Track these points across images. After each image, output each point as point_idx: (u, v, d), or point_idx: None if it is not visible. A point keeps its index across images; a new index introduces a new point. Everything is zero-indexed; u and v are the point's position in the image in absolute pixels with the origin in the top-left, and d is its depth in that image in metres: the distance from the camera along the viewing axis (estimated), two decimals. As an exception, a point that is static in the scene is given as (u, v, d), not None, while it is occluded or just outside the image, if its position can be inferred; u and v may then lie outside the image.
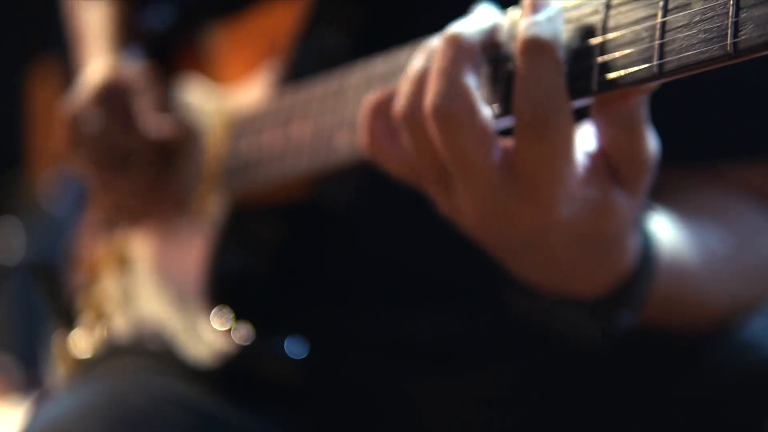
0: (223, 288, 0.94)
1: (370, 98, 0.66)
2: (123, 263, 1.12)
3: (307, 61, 0.92)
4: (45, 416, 0.86)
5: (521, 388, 0.94)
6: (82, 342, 1.14)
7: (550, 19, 0.56)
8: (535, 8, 0.56)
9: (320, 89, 0.82)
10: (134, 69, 1.08)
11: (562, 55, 0.55)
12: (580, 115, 0.61)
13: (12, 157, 4.67)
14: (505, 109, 0.59)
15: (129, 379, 0.92)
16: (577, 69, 0.56)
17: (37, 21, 4.55)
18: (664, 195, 0.89)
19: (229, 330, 0.90)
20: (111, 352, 1.06)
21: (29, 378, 3.54)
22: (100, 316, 1.12)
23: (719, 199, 0.87)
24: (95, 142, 1.02)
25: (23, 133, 4.57)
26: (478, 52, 0.59)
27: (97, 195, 1.08)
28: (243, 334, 0.89)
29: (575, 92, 0.56)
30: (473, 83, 0.58)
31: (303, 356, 0.90)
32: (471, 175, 0.59)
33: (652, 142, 0.61)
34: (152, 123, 1.02)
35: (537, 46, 0.55)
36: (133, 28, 1.21)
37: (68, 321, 1.17)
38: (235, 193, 0.94)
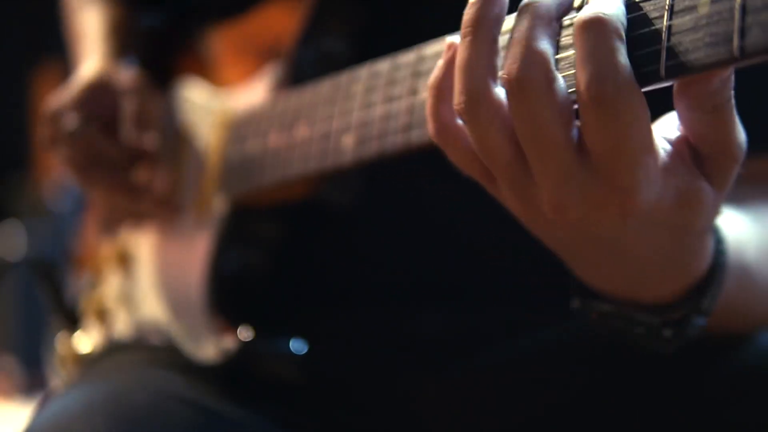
0: (225, 287, 0.94)
1: (432, 80, 0.62)
2: (125, 263, 1.12)
3: (308, 63, 0.92)
4: (48, 414, 0.85)
5: (521, 387, 0.94)
6: (84, 342, 1.14)
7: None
8: None
9: (326, 92, 0.82)
10: (127, 74, 1.08)
11: (622, 32, 0.54)
12: (667, 104, 0.59)
13: (16, 160, 4.69)
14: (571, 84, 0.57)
15: (131, 375, 0.92)
16: (645, 53, 0.55)
17: (40, 24, 4.56)
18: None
19: (231, 329, 0.90)
20: (113, 349, 1.06)
21: (31, 379, 3.54)
22: (103, 316, 1.13)
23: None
24: (71, 141, 1.02)
25: (27, 136, 4.58)
26: (554, 20, 0.57)
27: (89, 195, 1.09)
28: (244, 333, 0.89)
29: (643, 77, 0.55)
30: (551, 51, 0.56)
31: (303, 355, 0.90)
32: (549, 154, 0.56)
33: (739, 132, 0.58)
34: (132, 131, 1.02)
35: (599, 20, 0.54)
36: (130, 31, 1.21)
37: (71, 320, 1.17)
38: (237, 194, 0.94)
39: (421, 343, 0.95)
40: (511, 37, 0.56)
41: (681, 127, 0.59)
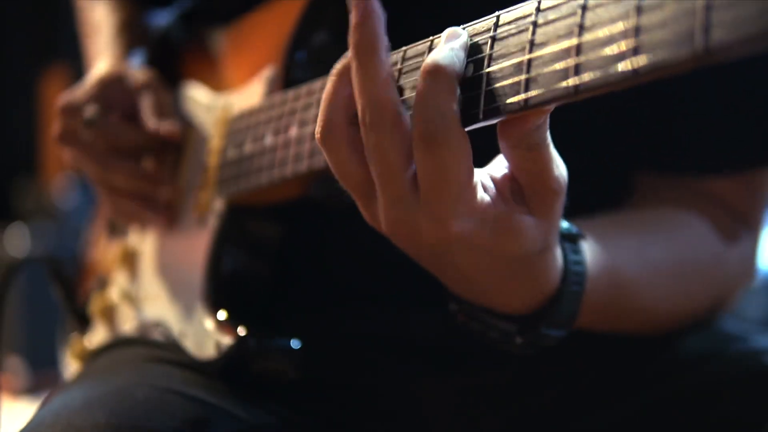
0: (224, 285, 0.95)
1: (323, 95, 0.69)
2: (131, 262, 1.13)
3: (301, 66, 0.94)
4: (50, 408, 0.85)
5: (521, 385, 0.94)
6: (94, 340, 1.15)
7: (452, 49, 0.62)
8: (449, 38, 0.63)
9: (318, 94, 0.83)
10: (140, 70, 1.10)
11: (455, 81, 0.61)
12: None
13: (24, 164, 4.69)
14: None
15: (133, 371, 0.92)
16: (469, 96, 0.62)
17: (48, 28, 4.58)
18: (630, 199, 0.94)
19: (230, 326, 0.90)
20: (115, 345, 1.07)
21: (38, 378, 3.55)
22: (110, 314, 1.13)
23: (673, 211, 0.91)
24: (91, 130, 1.03)
25: (35, 139, 4.59)
26: (391, 74, 0.65)
27: (99, 191, 1.09)
28: (243, 330, 0.89)
29: (467, 118, 0.62)
30: (397, 97, 0.63)
31: (301, 353, 0.90)
32: (388, 178, 0.63)
33: (559, 167, 0.64)
34: (153, 120, 1.04)
35: (435, 69, 0.61)
36: (140, 29, 1.23)
37: (81, 320, 1.18)
38: (235, 194, 0.95)
39: (419, 341, 0.95)
40: (356, 83, 0.63)
41: (507, 165, 0.66)
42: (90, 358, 1.10)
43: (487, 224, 0.64)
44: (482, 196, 0.64)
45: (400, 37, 0.74)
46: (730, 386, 0.86)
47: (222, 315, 0.91)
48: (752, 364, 0.88)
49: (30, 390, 3.53)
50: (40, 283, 1.22)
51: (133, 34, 1.19)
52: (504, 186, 0.66)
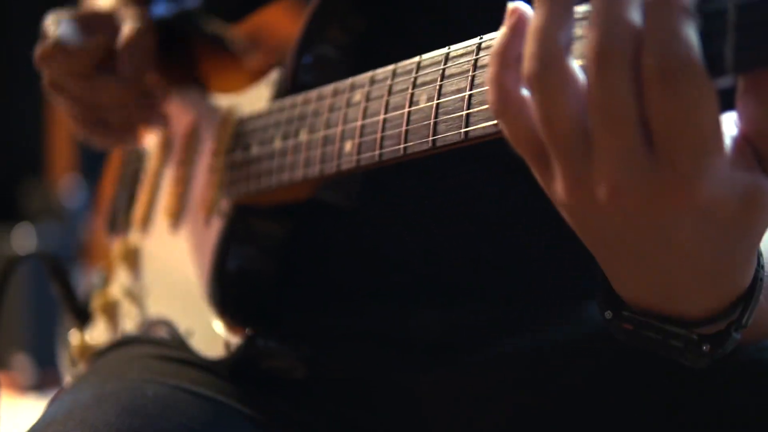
0: (230, 284, 0.95)
1: (497, 47, 0.58)
2: (134, 260, 1.14)
3: (306, 72, 0.93)
4: (62, 405, 0.86)
5: (520, 384, 0.94)
6: (95, 338, 1.15)
7: None
8: None
9: (329, 99, 0.84)
10: (140, 15, 1.04)
11: (689, 11, 0.51)
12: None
13: (31, 165, 4.70)
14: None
15: (143, 368, 0.92)
16: (712, 44, 0.52)
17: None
18: None
19: (238, 326, 0.91)
20: (123, 343, 1.07)
21: (44, 376, 3.57)
22: (112, 312, 1.14)
23: None
24: (75, 49, 1.00)
25: (41, 141, 4.60)
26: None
27: (70, 108, 1.04)
28: (251, 330, 0.90)
29: (712, 63, 0.51)
30: (638, 22, 0.52)
31: (309, 352, 0.92)
32: (619, 128, 0.53)
33: None
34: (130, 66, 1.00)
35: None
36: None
37: (82, 317, 1.18)
38: (242, 195, 0.96)
39: (422, 340, 0.96)
40: (594, 8, 0.53)
41: (741, 125, 0.55)
42: (96, 355, 1.10)
43: (737, 193, 0.54)
44: (731, 154, 0.53)
45: (405, 43, 0.75)
46: (735, 384, 0.83)
47: (230, 315, 0.92)
48: (755, 360, 0.83)
49: (36, 387, 3.56)
50: (45, 280, 1.21)
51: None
52: (745, 148, 0.55)
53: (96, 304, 1.16)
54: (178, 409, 0.81)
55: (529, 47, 0.55)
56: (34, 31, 1.08)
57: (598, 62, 0.52)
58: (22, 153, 4.74)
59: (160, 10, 1.17)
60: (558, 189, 0.57)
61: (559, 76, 0.54)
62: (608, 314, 0.64)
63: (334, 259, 0.99)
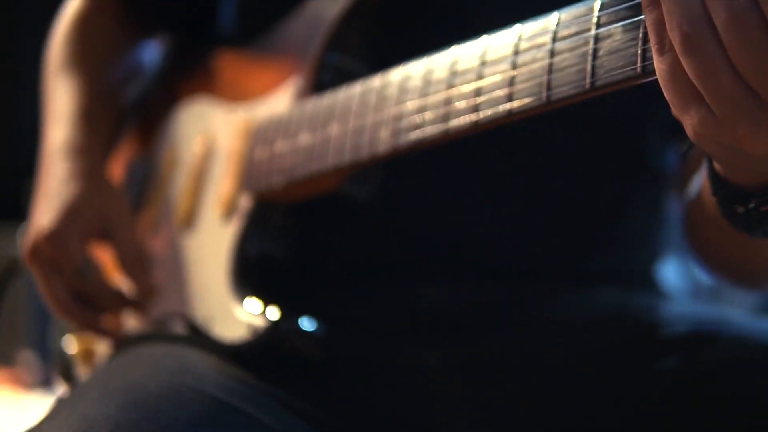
0: (249, 271, 0.98)
1: None
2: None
3: (327, 79, 0.97)
4: (67, 401, 0.88)
5: (527, 359, 0.97)
6: (95, 338, 1.17)
7: None
8: None
9: (359, 94, 0.88)
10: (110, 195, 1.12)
11: None
12: None
13: (36, 163, 4.72)
14: None
15: (149, 365, 0.93)
16: None
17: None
18: None
19: (256, 310, 0.94)
20: (131, 342, 1.08)
21: (49, 372, 3.60)
22: (116, 313, 1.15)
23: None
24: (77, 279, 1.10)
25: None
26: None
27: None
28: (268, 313, 0.93)
29: None
30: None
31: (324, 333, 0.94)
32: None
33: None
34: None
35: None
36: (111, 102, 1.22)
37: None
38: (263, 190, 0.99)
39: (425, 316, 0.99)
40: None
41: None
42: (106, 354, 1.13)
43: None
44: None
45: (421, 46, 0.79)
46: (726, 371, 0.87)
47: (252, 299, 0.95)
48: (747, 347, 0.89)
49: (43, 383, 3.59)
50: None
51: (95, 119, 1.18)
52: None
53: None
54: (180, 405, 0.83)
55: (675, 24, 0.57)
56: (37, 32, 1.11)
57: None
58: (25, 153, 4.76)
59: (152, 53, 1.23)
60: (698, 126, 0.60)
61: (711, 45, 0.56)
62: (739, 209, 0.68)
63: (351, 243, 1.02)
